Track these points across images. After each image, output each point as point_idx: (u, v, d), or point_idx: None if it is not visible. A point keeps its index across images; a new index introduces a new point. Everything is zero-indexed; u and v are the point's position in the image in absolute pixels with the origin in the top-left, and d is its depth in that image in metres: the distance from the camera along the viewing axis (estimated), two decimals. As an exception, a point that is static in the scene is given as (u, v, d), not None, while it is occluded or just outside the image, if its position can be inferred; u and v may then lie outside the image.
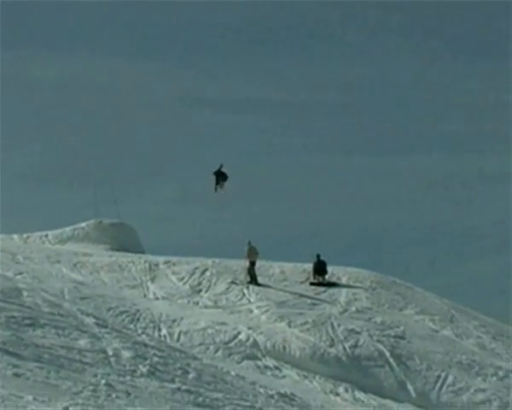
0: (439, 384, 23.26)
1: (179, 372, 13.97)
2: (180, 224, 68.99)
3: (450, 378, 23.58)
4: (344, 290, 31.19)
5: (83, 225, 39.05)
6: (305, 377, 22.79)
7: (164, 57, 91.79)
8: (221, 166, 34.71)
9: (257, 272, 31.63)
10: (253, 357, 23.53)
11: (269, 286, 30.98)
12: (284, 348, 24.39)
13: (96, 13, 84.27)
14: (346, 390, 22.14)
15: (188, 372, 14.19)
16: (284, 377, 22.41)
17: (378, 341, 25.33)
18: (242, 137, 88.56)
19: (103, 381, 11.70)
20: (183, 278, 31.17)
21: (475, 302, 40.99)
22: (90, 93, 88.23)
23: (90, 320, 16.16)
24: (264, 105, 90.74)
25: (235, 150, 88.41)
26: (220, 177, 34.78)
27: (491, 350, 27.09)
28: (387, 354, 24.52)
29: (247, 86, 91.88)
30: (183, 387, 12.84)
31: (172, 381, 13.14)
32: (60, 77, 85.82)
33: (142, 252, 37.23)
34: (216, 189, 34.74)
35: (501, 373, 24.32)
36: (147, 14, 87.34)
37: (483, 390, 23.07)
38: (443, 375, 23.71)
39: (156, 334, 23.98)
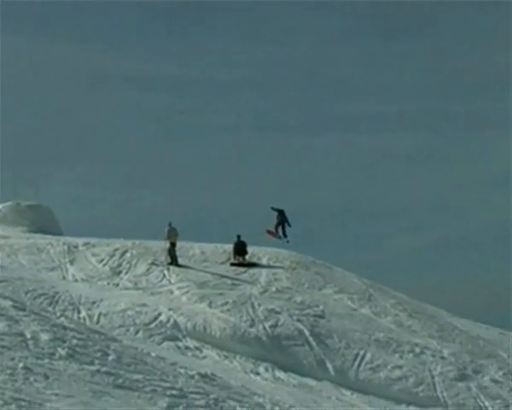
0: (357, 362, 23.62)
1: (99, 354, 13.90)
2: (99, 205, 68.42)
3: (368, 356, 23.96)
4: (264, 271, 31.39)
5: (-1, 207, 38.40)
6: (226, 357, 22.91)
7: (76, 36, 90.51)
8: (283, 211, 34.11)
9: (177, 253, 31.60)
10: (173, 338, 23.54)
11: (189, 267, 30.99)
12: (205, 328, 24.46)
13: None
14: (267, 370, 22.33)
15: (107, 354, 14.13)
16: (205, 357, 22.49)
17: (298, 320, 25.58)
18: (160, 116, 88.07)
19: (21, 364, 11.58)
20: (102, 260, 30.93)
21: (392, 281, 41.73)
22: (4, 73, 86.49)
23: (7, 303, 15.93)
24: (179, 83, 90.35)
25: (153, 130, 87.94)
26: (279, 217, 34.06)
27: (407, 327, 27.62)
28: (307, 333, 24.79)
29: (163, 64, 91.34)
30: (103, 369, 12.79)
31: (92, 363, 13.07)
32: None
33: (61, 234, 36.80)
34: (280, 235, 33.91)
35: (417, 350, 24.82)
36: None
37: (400, 367, 23.52)
38: (361, 353, 24.08)
39: (75, 316, 23.78)
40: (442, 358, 24.53)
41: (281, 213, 34.44)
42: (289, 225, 34.54)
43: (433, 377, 23.16)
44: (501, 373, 24.07)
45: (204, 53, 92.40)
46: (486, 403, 21.99)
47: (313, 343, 24.26)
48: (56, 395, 10.42)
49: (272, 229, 33.18)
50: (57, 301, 24.95)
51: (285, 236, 34.29)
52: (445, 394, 22.30)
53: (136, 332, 23.50)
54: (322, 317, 26.36)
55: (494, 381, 23.42)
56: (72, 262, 30.53)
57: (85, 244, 32.52)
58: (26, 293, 24.82)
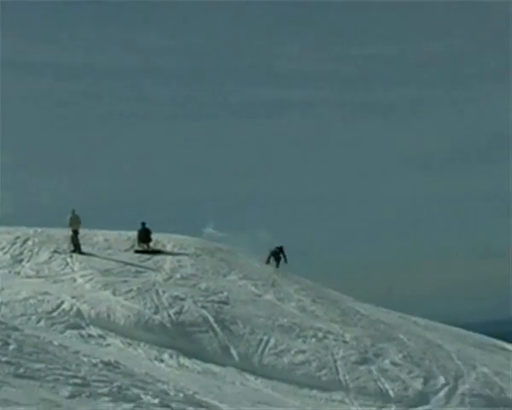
0: (261, 347, 23.82)
1: (-1, 344, 13.70)
2: (0, 192, 67.04)
3: (272, 341, 24.20)
4: (168, 258, 31.37)
5: None
6: (130, 344, 22.81)
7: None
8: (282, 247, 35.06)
9: (80, 240, 31.29)
10: (76, 326, 23.30)
11: (93, 255, 30.74)
12: (108, 316, 24.29)
13: None
14: (171, 356, 22.33)
15: (8, 344, 13.92)
16: (108, 345, 22.34)
17: (202, 307, 25.65)
18: (73, 104, 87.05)
19: None
20: (3, 248, 30.42)
21: (296, 266, 42.22)
22: None
23: None
24: (99, 72, 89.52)
25: (59, 117, 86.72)
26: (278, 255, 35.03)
27: (311, 312, 28.00)
28: (211, 319, 24.88)
29: (84, 53, 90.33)
30: (4, 359, 12.61)
31: (-8, 353, 12.87)
32: None
33: (-40, 222, 36.00)
34: (268, 261, 34.85)
35: (320, 334, 25.18)
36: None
37: (303, 352, 23.82)
38: (265, 338, 24.30)
39: (-25, 306, 23.32)
40: (344, 342, 24.95)
41: (279, 249, 35.10)
42: (286, 261, 35.08)
43: (335, 361, 23.54)
44: (400, 356, 24.63)
45: (116, 42, 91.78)
46: (386, 386, 22.48)
47: (217, 330, 24.37)
48: (-45, 386, 10.24)
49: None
50: (-44, 291, 24.41)
51: (277, 266, 34.59)
52: (346, 377, 22.69)
53: (38, 321, 23.18)
54: (226, 303, 26.50)
55: (394, 364, 23.96)
56: (-29, 251, 29.92)
57: (-15, 232, 31.90)
58: None
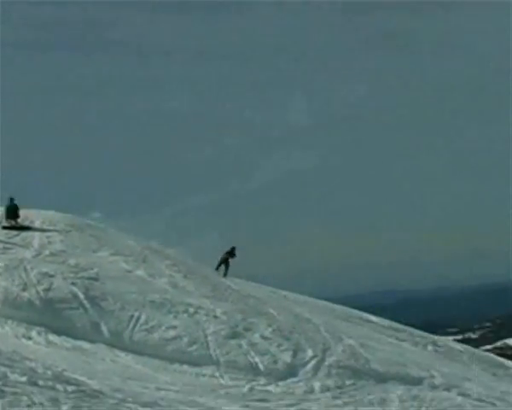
0: (132, 324, 23.76)
1: None
2: None
3: (142, 317, 24.16)
4: (37, 234, 30.86)
5: None
6: (-3, 322, 22.37)
7: None
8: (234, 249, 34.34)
9: None
10: None
11: (-43, 231, 29.92)
12: (-26, 294, 23.73)
13: None
14: (39, 334, 22.02)
15: None
16: (-26, 323, 21.85)
17: (72, 283, 25.35)
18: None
19: None
20: None
21: (167, 242, 42.25)
22: None
23: None
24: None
25: None
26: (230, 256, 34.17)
27: (182, 288, 28.08)
28: (81, 296, 24.63)
29: None
30: None
31: None
32: None
33: None
34: (218, 268, 34.04)
35: (191, 310, 25.30)
36: None
37: (174, 327, 23.89)
38: (136, 314, 24.24)
39: None
40: (215, 317, 25.14)
41: (229, 253, 34.17)
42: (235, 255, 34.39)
43: (206, 336, 23.71)
44: (270, 330, 25.02)
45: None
46: (256, 359, 22.80)
47: (88, 306, 24.15)
48: None
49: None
50: None
51: (225, 275, 33.78)
52: (217, 351, 22.90)
53: None
54: (96, 279, 26.26)
55: (264, 338, 24.31)
56: None
57: None
58: None
